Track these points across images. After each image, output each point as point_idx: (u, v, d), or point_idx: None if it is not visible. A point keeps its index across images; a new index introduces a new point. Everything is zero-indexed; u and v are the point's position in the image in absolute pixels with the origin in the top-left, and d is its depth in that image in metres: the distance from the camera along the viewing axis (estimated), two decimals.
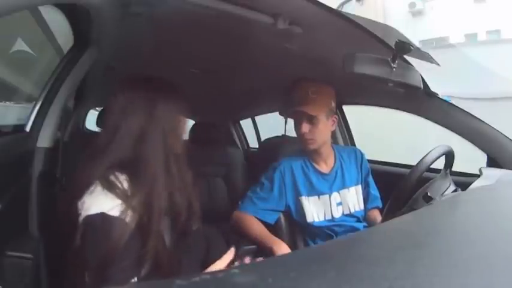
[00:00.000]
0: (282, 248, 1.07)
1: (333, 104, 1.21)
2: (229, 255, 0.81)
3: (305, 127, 1.15)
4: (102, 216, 0.68)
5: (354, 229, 1.20)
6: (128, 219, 0.70)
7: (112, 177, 0.71)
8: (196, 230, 0.98)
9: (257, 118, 2.68)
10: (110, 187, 0.70)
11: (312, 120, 1.15)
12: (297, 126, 1.19)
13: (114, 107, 0.78)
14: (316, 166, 1.23)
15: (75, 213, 0.70)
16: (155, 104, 0.77)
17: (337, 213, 1.21)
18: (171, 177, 0.77)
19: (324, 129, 1.17)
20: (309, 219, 1.19)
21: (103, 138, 0.76)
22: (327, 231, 1.20)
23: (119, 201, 0.70)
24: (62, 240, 0.75)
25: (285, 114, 1.25)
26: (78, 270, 0.72)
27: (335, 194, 1.22)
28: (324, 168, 1.24)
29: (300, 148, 1.24)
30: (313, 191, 1.21)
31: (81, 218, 0.70)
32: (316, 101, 1.15)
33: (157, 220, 0.74)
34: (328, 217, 1.20)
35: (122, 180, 0.72)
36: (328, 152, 1.24)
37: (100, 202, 0.69)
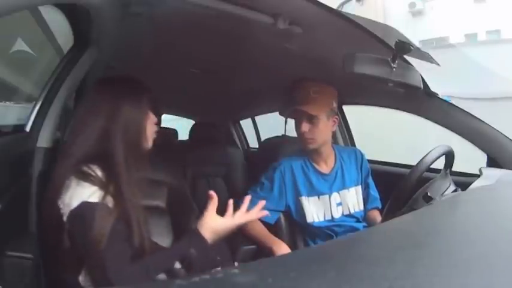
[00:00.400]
0: (282, 248, 1.07)
1: (334, 104, 1.21)
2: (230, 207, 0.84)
3: (305, 126, 1.15)
4: (84, 204, 0.69)
5: (354, 229, 1.20)
6: (109, 204, 0.72)
7: (85, 168, 0.73)
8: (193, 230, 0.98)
9: (257, 118, 2.68)
10: (84, 177, 0.72)
11: (312, 119, 1.15)
12: (297, 126, 1.19)
13: (80, 110, 0.82)
14: (316, 166, 1.23)
15: (57, 214, 0.71)
16: (118, 105, 0.79)
17: (337, 214, 1.21)
18: (130, 177, 0.78)
19: (324, 129, 1.17)
20: (309, 219, 1.19)
21: (69, 141, 0.79)
22: (326, 232, 1.20)
23: (95, 188, 0.71)
24: (51, 243, 0.75)
25: (286, 113, 1.25)
26: (70, 269, 0.73)
27: (335, 195, 1.22)
28: (324, 168, 1.24)
29: (300, 148, 1.24)
30: (313, 191, 1.21)
31: (65, 217, 0.71)
32: (317, 100, 1.15)
33: (134, 213, 0.75)
34: (328, 217, 1.20)
35: (95, 169, 0.74)
36: (328, 152, 1.24)
37: (78, 193, 0.70)
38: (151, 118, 0.85)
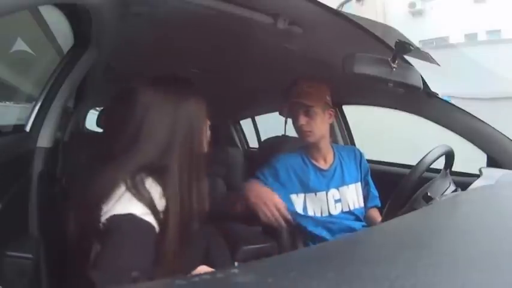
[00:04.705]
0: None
1: (328, 98, 1.22)
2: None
3: (302, 119, 1.16)
4: (132, 217, 0.64)
5: (351, 229, 1.19)
6: (157, 228, 0.67)
7: (140, 186, 0.67)
8: (197, 230, 0.98)
9: (257, 118, 2.68)
10: (138, 194, 0.66)
11: (308, 111, 1.16)
12: (295, 119, 1.19)
13: (135, 104, 0.73)
14: (315, 162, 1.24)
15: (97, 219, 0.66)
16: (182, 103, 0.74)
17: (335, 211, 1.21)
18: (189, 185, 0.73)
19: (320, 121, 1.18)
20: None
21: (125, 138, 0.72)
22: (323, 227, 1.19)
23: (148, 210, 0.66)
24: (77, 247, 0.72)
25: (283, 109, 1.25)
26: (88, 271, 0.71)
27: (333, 191, 1.22)
28: (323, 164, 1.24)
29: (299, 146, 1.24)
30: (311, 188, 1.21)
31: (104, 218, 0.65)
32: (312, 93, 1.16)
33: (174, 226, 0.71)
34: (325, 214, 1.20)
35: (150, 185, 0.68)
36: (327, 149, 1.25)
37: (128, 206, 0.65)
38: (207, 120, 0.81)
